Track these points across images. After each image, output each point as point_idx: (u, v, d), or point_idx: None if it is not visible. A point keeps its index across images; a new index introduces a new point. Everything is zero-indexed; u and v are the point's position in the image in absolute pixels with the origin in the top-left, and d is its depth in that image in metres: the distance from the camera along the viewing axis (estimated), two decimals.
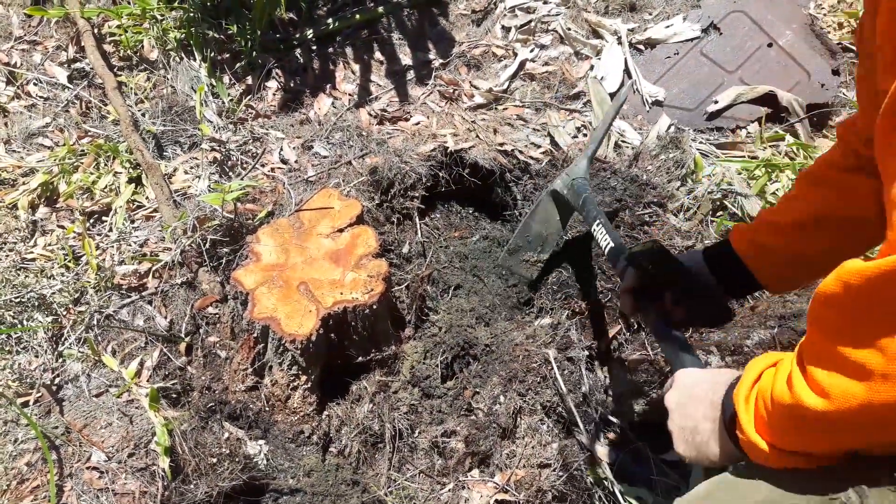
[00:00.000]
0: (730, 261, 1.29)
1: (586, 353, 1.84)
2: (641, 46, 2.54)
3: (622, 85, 2.44)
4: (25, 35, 2.55)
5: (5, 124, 2.33)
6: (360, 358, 1.75)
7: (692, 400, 1.04)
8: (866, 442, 0.78)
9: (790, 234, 1.20)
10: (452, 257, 2.32)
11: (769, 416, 0.84)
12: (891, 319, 0.67)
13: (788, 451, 0.84)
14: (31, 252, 1.99)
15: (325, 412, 1.74)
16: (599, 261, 2.06)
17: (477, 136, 2.42)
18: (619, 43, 2.53)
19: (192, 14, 2.51)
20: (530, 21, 2.63)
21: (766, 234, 1.25)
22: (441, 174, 2.33)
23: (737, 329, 1.71)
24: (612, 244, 1.52)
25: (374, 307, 1.69)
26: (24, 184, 2.14)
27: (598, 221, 1.60)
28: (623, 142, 2.38)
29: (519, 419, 1.65)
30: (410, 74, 2.63)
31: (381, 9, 2.69)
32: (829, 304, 0.74)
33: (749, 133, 2.37)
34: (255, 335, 1.71)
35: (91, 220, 2.09)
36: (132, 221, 2.07)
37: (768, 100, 2.39)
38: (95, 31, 2.50)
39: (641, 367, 1.85)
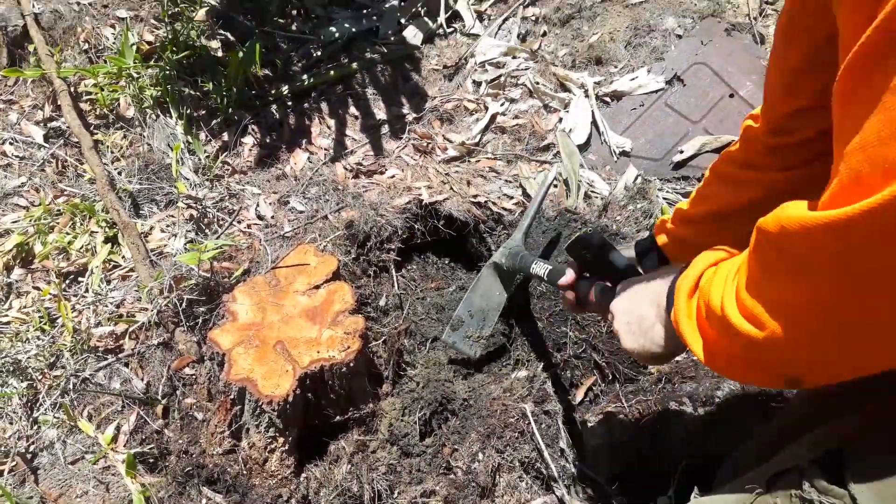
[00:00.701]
0: (653, 253, 1.41)
1: (563, 406, 1.86)
2: (608, 98, 2.62)
3: (587, 142, 2.51)
4: (1, 94, 2.57)
5: None
6: (337, 417, 1.76)
7: (637, 294, 1.11)
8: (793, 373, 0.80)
9: (700, 226, 1.29)
10: (429, 308, 2.34)
11: (707, 318, 0.87)
12: (817, 270, 0.68)
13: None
14: (6, 315, 1.98)
15: (304, 474, 1.74)
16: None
17: (451, 188, 2.47)
18: (587, 96, 2.61)
19: (168, 72, 2.55)
20: (500, 76, 2.70)
21: (680, 227, 1.35)
22: (416, 226, 2.37)
23: (708, 380, 1.74)
24: (549, 267, 1.57)
25: (351, 365, 1.71)
26: None
27: (534, 262, 1.65)
28: (592, 192, 2.44)
29: (498, 476, 1.67)
30: (385, 129, 2.68)
31: (354, 65, 2.75)
32: (766, 240, 0.76)
33: None
34: (231, 397, 1.71)
35: (67, 281, 2.10)
36: (108, 282, 2.07)
37: None
38: (72, 89, 2.53)
39: (617, 419, 1.88)
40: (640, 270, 1.33)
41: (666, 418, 1.75)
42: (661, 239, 1.39)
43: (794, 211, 0.70)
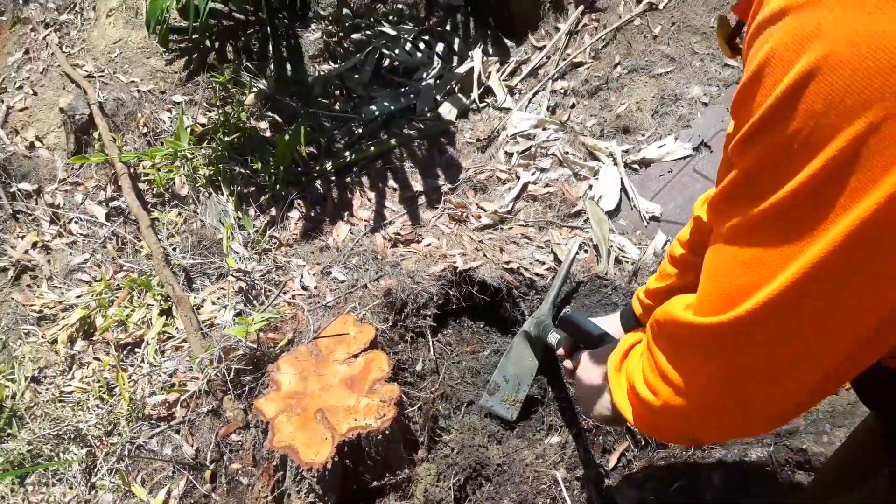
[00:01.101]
0: (636, 322, 1.52)
1: (595, 472, 1.90)
2: (636, 166, 2.71)
3: (617, 208, 2.60)
4: (68, 177, 2.79)
5: (48, 262, 2.53)
6: (374, 482, 1.84)
7: (591, 364, 1.27)
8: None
9: (662, 299, 1.35)
10: (465, 373, 2.42)
11: (629, 388, 0.97)
12: (691, 358, 0.80)
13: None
14: (69, 385, 2.13)
15: None
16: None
17: (484, 255, 2.56)
18: (615, 163, 2.70)
19: (220, 152, 2.74)
20: (531, 147, 2.82)
21: (649, 298, 1.45)
22: (452, 292, 2.47)
23: (737, 446, 1.77)
24: (559, 338, 1.75)
25: (387, 432, 1.79)
26: (63, 319, 2.31)
27: (550, 332, 1.85)
28: (623, 257, 2.51)
29: None
30: (422, 199, 2.81)
31: (393, 141, 2.91)
32: (657, 327, 0.87)
33: None
34: (274, 463, 1.80)
35: (125, 352, 2.24)
36: (162, 352, 2.21)
37: None
38: (132, 170, 2.73)
39: (649, 482, 1.91)
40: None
41: (698, 482, 1.78)
42: (637, 309, 1.51)
43: (674, 308, 0.82)
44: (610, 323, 1.59)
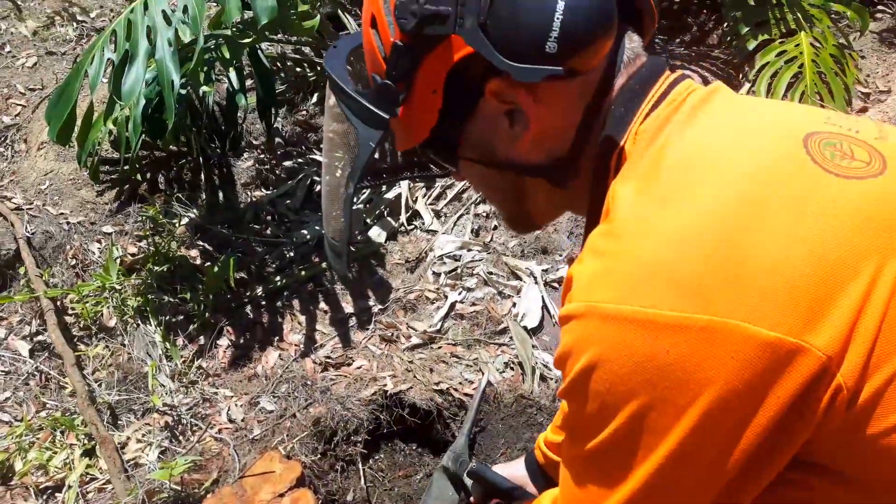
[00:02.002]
0: (540, 470, 1.61)
1: None
2: (555, 284, 2.85)
3: (540, 324, 2.71)
4: None
5: None
6: None
7: None
8: None
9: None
10: (397, 500, 2.42)
11: None
12: None
13: None
14: None
15: None
16: None
17: (415, 376, 2.62)
18: (536, 282, 2.84)
19: (149, 283, 2.77)
20: (457, 267, 2.94)
21: (554, 451, 1.54)
22: (382, 416, 2.50)
23: None
24: (472, 482, 1.83)
25: None
26: None
27: (465, 472, 1.91)
28: (548, 375, 2.60)
29: None
30: (352, 321, 2.87)
31: (324, 264, 2.99)
32: None
33: None
34: None
35: (44, 496, 2.18)
36: (84, 496, 2.16)
37: None
38: (58, 303, 2.73)
39: None
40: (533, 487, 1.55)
41: None
42: (540, 458, 1.60)
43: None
44: (515, 469, 1.65)
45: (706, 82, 0.94)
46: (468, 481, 1.86)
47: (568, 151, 0.94)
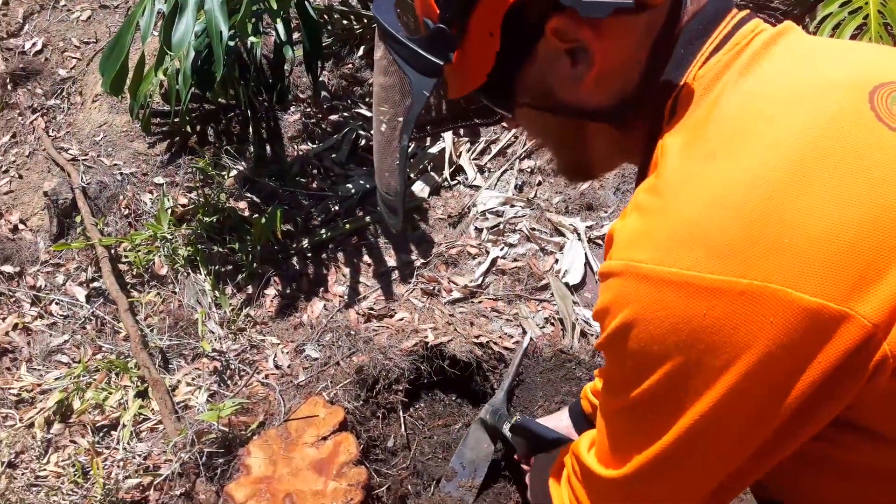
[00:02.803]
0: (586, 419, 1.59)
1: None
2: (599, 241, 2.82)
3: (582, 281, 2.70)
4: (50, 259, 2.87)
5: (28, 343, 2.59)
6: None
7: (536, 478, 1.35)
8: None
9: None
10: (436, 447, 2.47)
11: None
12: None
13: None
14: (45, 469, 2.17)
15: None
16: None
17: (455, 329, 2.65)
18: (579, 239, 2.81)
19: (199, 232, 2.84)
20: (499, 223, 2.94)
21: (596, 394, 1.53)
22: (423, 367, 2.54)
23: None
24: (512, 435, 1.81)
25: None
26: (41, 402, 2.36)
27: (505, 423, 1.90)
28: (588, 331, 2.60)
29: None
30: (395, 274, 2.90)
31: (368, 218, 3.02)
32: (572, 454, 1.05)
33: None
34: None
35: (100, 434, 2.29)
36: (138, 434, 2.26)
37: None
38: (112, 252, 2.82)
39: None
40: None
41: None
42: (587, 408, 1.59)
43: (581, 449, 1.00)
44: (558, 420, 1.65)
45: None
46: (510, 435, 1.86)
47: (632, 92, 0.89)
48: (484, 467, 2.16)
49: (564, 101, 0.92)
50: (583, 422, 1.61)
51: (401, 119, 0.98)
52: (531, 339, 2.55)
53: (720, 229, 0.71)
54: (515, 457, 1.60)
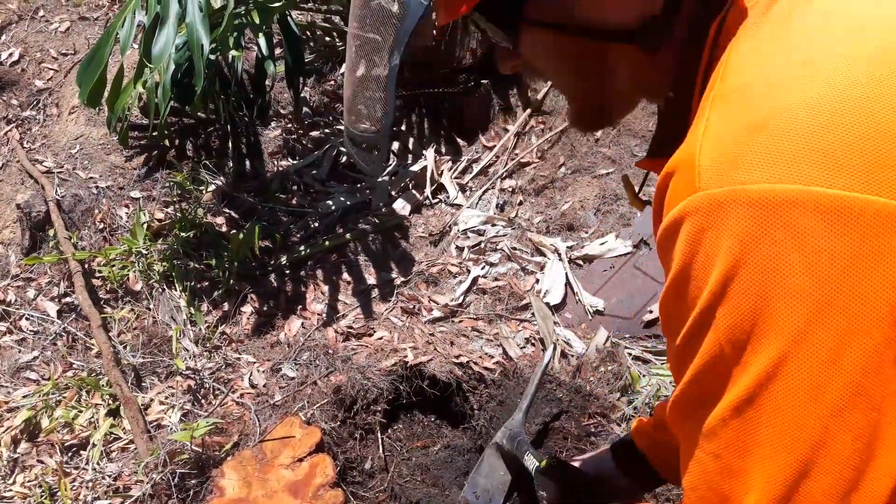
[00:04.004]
0: (637, 458, 1.32)
1: None
2: (580, 262, 2.83)
3: (563, 301, 2.69)
4: (21, 273, 2.81)
5: None
6: None
7: None
8: None
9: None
10: (414, 469, 2.44)
11: None
12: None
13: None
14: (10, 490, 2.10)
15: None
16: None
17: (435, 348, 2.62)
18: (560, 259, 2.81)
19: (175, 248, 2.79)
20: (480, 242, 2.93)
21: (658, 430, 1.28)
22: (402, 387, 2.51)
23: None
24: (537, 465, 1.58)
25: None
26: (8, 420, 2.29)
27: (527, 452, 1.71)
28: (569, 352, 2.59)
29: None
30: (375, 292, 2.88)
31: (348, 235, 2.99)
32: None
33: None
34: None
35: (70, 454, 2.23)
36: (108, 454, 2.20)
37: None
38: (86, 266, 2.76)
39: None
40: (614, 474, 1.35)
41: None
42: (642, 443, 1.32)
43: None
44: (600, 463, 1.41)
45: None
46: (532, 462, 1.63)
47: (660, 10, 0.77)
48: (499, 498, 1.98)
49: (584, 16, 0.78)
50: (636, 464, 1.34)
51: (390, 39, 0.87)
52: (552, 353, 2.42)
53: (833, 138, 0.58)
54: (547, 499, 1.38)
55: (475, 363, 2.58)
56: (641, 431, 1.33)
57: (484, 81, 3.27)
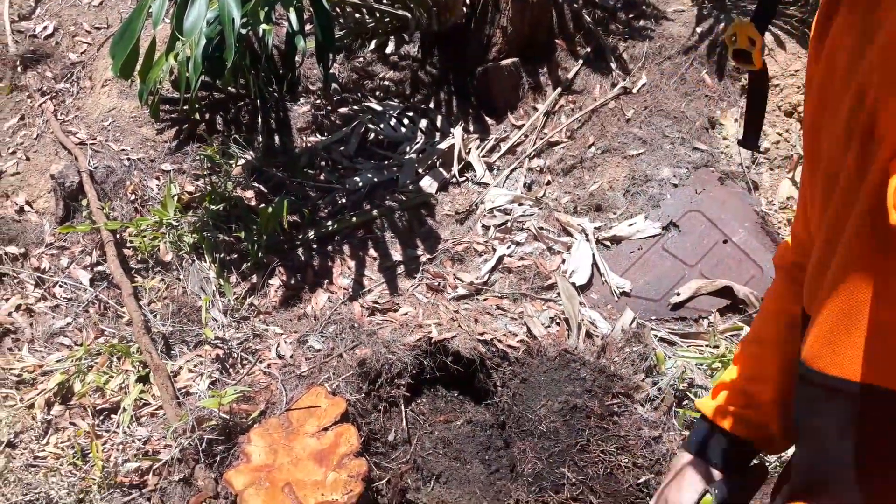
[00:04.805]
0: (739, 454, 1.05)
1: None
2: (608, 242, 2.81)
3: (589, 282, 2.68)
4: (55, 242, 2.86)
5: (31, 325, 2.58)
6: None
7: None
8: None
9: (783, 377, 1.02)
10: (437, 443, 2.46)
11: None
12: None
13: None
14: (44, 450, 2.16)
15: None
16: (572, 452, 2.19)
17: (459, 325, 2.63)
18: (587, 239, 2.80)
19: (205, 220, 2.82)
20: (507, 221, 2.92)
21: (750, 382, 1.05)
22: (426, 362, 2.53)
23: None
24: None
25: None
26: (42, 383, 2.35)
27: None
28: (593, 332, 2.58)
29: None
30: (401, 269, 2.89)
31: (375, 211, 3.00)
32: None
33: (711, 323, 2.57)
34: None
35: (101, 417, 2.28)
36: (138, 419, 2.25)
37: (726, 292, 2.61)
38: (118, 236, 2.81)
39: None
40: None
41: None
42: (740, 430, 1.05)
43: None
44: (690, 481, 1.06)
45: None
46: None
47: None
48: None
49: None
50: (732, 454, 1.06)
51: None
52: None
53: None
54: None
55: (499, 341, 2.59)
56: (737, 423, 1.06)
57: (514, 60, 3.24)
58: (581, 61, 3.35)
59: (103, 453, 2.12)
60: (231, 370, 2.40)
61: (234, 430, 2.13)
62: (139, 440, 2.16)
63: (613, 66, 3.32)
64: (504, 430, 2.41)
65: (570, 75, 3.32)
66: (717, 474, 1.06)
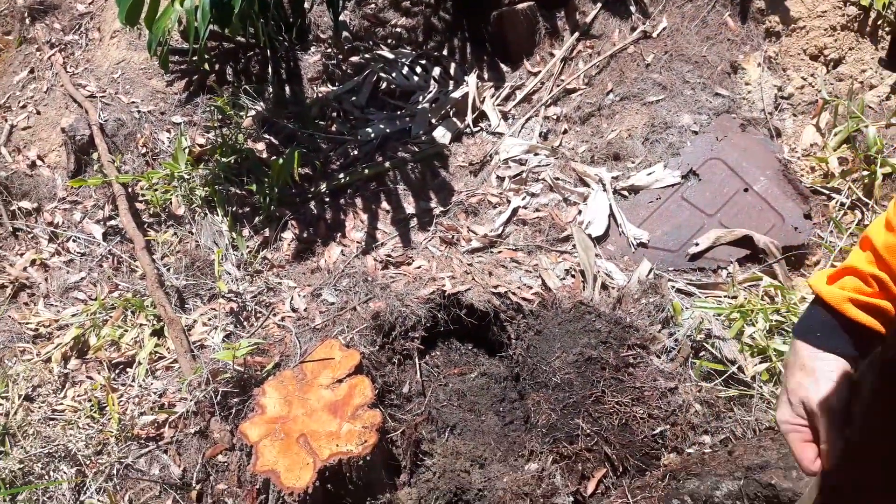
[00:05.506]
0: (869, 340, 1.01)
1: (571, 499, 1.93)
2: (625, 192, 2.75)
3: (605, 233, 2.63)
4: (68, 196, 2.85)
5: (46, 279, 2.59)
6: None
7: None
8: None
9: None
10: (451, 395, 2.46)
11: None
12: None
13: None
14: (62, 404, 2.18)
15: None
16: (586, 403, 2.18)
17: (473, 278, 2.60)
18: (604, 189, 2.74)
19: (216, 173, 2.79)
20: (522, 172, 2.86)
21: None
22: (440, 315, 2.51)
23: (710, 478, 1.80)
24: None
25: (368, 458, 1.83)
26: (58, 337, 2.36)
27: None
28: (609, 283, 2.54)
29: None
30: (414, 222, 2.85)
31: (387, 163, 2.96)
32: None
33: (730, 273, 2.52)
34: (257, 486, 1.85)
35: (116, 371, 2.29)
36: (153, 372, 2.26)
37: (746, 242, 2.55)
38: (129, 190, 2.79)
39: None
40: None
41: None
42: (859, 316, 1.01)
43: None
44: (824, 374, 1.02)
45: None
46: None
47: None
48: None
49: None
50: (860, 342, 1.02)
51: None
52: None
53: None
54: None
55: (513, 293, 2.56)
56: (859, 311, 1.02)
57: (530, 3, 3.13)
58: (599, 4, 3.23)
59: (120, 406, 2.14)
60: (245, 323, 2.40)
61: (248, 382, 2.13)
62: (155, 393, 2.18)
63: (633, 9, 3.20)
64: (518, 382, 2.40)
65: (588, 19, 3.21)
66: (843, 363, 1.02)
